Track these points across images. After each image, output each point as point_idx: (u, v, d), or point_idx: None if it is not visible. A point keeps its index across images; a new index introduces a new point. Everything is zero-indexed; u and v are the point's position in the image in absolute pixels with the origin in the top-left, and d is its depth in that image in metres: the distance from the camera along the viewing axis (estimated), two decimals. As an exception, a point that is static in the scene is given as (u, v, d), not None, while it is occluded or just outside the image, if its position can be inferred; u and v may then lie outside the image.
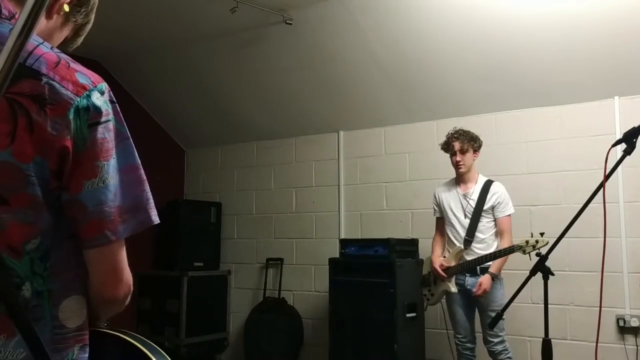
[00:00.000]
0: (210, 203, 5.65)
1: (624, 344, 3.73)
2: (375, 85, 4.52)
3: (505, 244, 3.54)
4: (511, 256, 3.51)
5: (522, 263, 3.30)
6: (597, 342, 2.34)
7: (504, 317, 2.65)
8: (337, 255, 4.50)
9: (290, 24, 4.13)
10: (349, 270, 4.31)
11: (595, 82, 3.87)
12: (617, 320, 3.74)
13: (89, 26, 1.14)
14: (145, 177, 1.00)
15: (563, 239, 2.18)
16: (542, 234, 3.28)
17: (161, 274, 5.28)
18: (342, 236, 4.84)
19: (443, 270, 3.67)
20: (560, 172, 4.04)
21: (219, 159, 5.84)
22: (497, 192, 3.65)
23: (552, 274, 2.31)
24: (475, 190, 3.69)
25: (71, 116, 0.90)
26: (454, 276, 3.67)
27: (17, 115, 0.88)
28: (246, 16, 4.07)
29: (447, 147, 3.74)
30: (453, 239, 3.72)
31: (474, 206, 3.66)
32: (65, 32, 1.10)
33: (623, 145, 2.03)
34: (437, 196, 3.87)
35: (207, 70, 4.98)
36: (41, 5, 0.67)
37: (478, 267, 3.59)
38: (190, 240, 5.35)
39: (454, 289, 3.66)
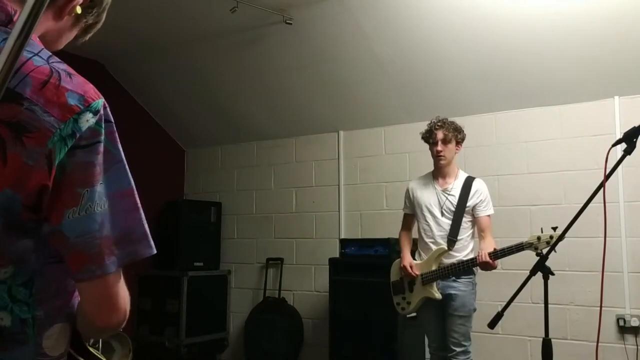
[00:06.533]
0: (210, 203, 5.65)
1: (624, 344, 3.73)
2: (375, 85, 4.52)
3: (487, 243, 3.24)
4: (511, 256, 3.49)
5: (522, 263, 3.29)
6: (597, 342, 2.34)
7: (502, 318, 2.63)
8: (337, 255, 4.50)
9: (290, 23, 4.13)
10: (349, 270, 4.31)
11: (595, 82, 3.87)
12: (617, 320, 3.74)
13: (100, 24, 1.10)
14: (139, 204, 0.91)
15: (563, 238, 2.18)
16: (554, 228, 2.84)
17: (161, 274, 5.27)
18: (342, 236, 4.84)
19: (423, 277, 3.34)
20: (560, 172, 4.04)
21: (219, 159, 5.84)
22: (480, 189, 3.37)
23: (552, 274, 2.31)
24: (455, 186, 3.38)
25: (51, 145, 0.81)
26: (436, 281, 3.31)
27: None
28: (246, 16, 4.07)
29: (428, 135, 3.44)
30: (426, 238, 3.40)
31: (453, 202, 3.34)
32: (75, 32, 1.06)
33: (623, 145, 2.03)
34: (410, 190, 3.55)
35: (207, 70, 4.98)
36: (41, 6, 0.65)
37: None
38: (190, 240, 5.34)
39: (438, 295, 3.28)
